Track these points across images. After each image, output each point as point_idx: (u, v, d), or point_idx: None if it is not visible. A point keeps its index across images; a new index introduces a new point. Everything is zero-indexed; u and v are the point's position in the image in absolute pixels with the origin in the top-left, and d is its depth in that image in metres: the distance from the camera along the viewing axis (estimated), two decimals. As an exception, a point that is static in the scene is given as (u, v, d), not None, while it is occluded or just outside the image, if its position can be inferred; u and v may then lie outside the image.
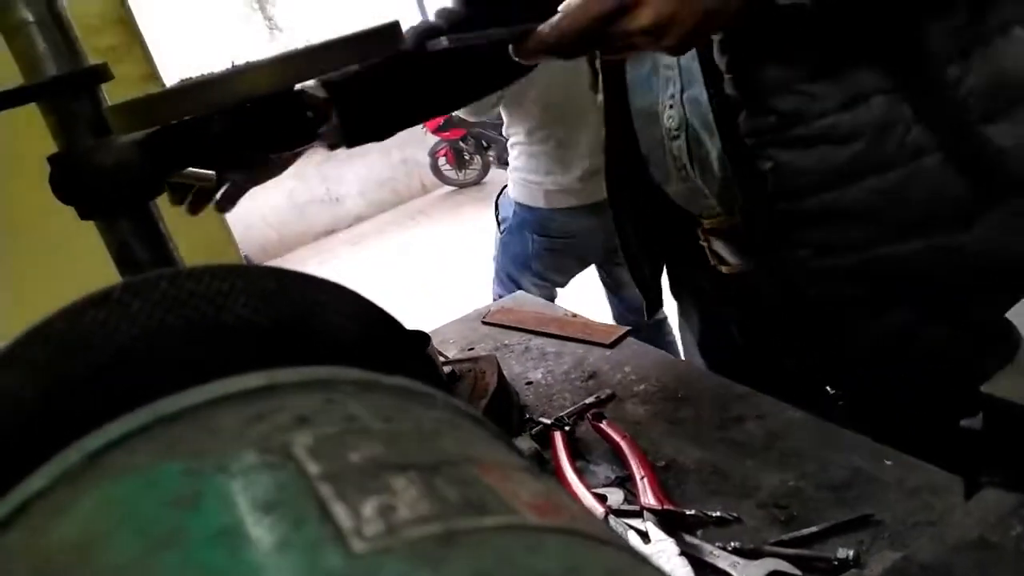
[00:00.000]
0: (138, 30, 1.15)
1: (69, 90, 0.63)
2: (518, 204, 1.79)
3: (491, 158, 6.00)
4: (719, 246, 0.83)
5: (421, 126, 6.19)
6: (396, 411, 0.25)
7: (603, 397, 0.89)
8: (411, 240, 5.57)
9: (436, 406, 0.27)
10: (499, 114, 1.77)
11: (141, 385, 0.27)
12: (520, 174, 1.76)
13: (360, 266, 5.24)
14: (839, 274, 0.71)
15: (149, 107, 0.62)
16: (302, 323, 0.31)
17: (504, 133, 1.83)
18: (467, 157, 6.25)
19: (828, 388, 0.80)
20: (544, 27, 0.60)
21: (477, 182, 6.29)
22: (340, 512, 0.17)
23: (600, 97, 0.83)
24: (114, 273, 0.63)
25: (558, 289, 1.93)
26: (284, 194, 5.99)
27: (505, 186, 1.88)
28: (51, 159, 0.66)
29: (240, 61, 0.63)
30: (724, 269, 0.85)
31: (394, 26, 0.62)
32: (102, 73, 0.65)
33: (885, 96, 0.64)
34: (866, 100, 0.65)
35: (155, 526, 0.18)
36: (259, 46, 5.74)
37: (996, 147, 0.65)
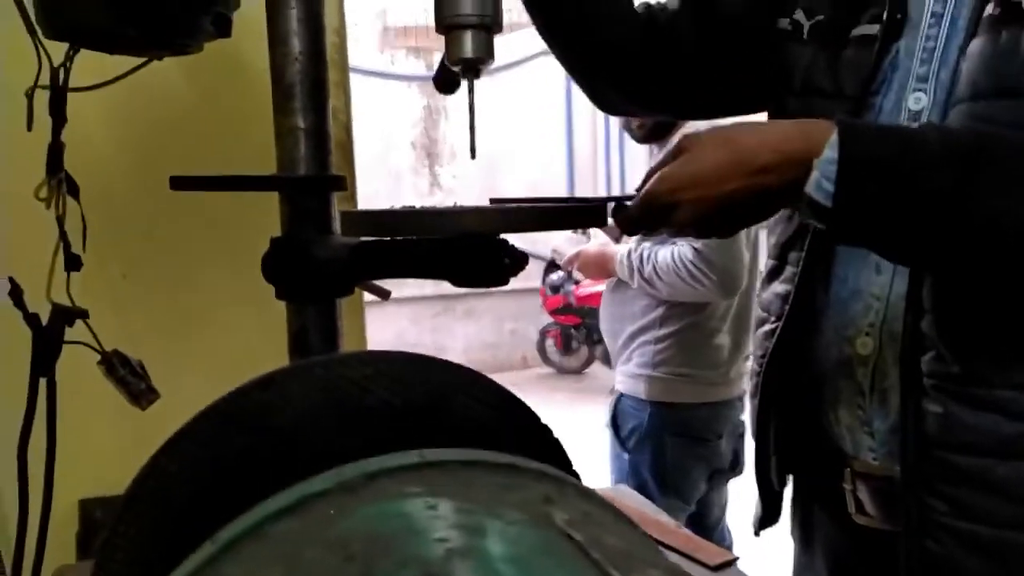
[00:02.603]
0: (353, 157, 1.31)
1: (314, 189, 0.74)
2: (655, 405, 1.68)
3: (597, 353, 6.05)
4: (864, 493, 0.79)
5: (540, 302, 6.42)
6: (614, 518, 0.27)
7: (694, 616, 0.84)
8: (499, 408, 5.59)
9: (636, 527, 0.29)
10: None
11: (295, 460, 0.31)
12: (663, 369, 1.68)
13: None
14: (966, 541, 0.68)
15: (375, 220, 0.72)
16: (437, 406, 0.35)
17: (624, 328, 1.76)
18: (574, 345, 6.35)
19: None
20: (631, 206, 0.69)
21: (577, 371, 6.33)
22: (615, 573, 0.19)
23: (783, 288, 0.82)
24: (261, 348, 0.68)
25: None
26: (395, 332, 6.25)
27: (620, 396, 1.74)
28: (274, 242, 0.76)
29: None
30: (861, 520, 0.80)
31: (602, 208, 0.70)
32: (340, 183, 0.76)
33: None
34: None
35: (447, 540, 0.21)
36: (419, 197, 6.28)
37: None
